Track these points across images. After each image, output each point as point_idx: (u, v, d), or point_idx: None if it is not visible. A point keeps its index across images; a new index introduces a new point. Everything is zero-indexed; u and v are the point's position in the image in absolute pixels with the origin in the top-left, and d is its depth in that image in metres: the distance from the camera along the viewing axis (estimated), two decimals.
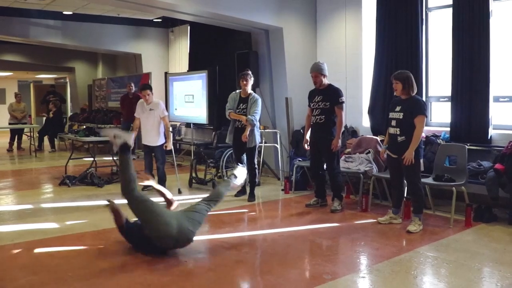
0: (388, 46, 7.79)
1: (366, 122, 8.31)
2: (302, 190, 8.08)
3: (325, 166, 6.86)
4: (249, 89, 7.32)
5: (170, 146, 7.81)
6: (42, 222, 6.22)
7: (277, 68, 9.20)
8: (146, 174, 5.82)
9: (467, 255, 4.82)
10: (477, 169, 6.34)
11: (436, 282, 4.24)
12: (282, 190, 8.14)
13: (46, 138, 14.91)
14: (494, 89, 6.72)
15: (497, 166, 5.97)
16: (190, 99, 11.31)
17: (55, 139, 14.80)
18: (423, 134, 5.93)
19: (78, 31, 13.14)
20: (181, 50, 13.63)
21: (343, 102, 6.65)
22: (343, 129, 6.78)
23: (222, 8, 8.27)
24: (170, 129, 8.01)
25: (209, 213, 5.20)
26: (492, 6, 6.64)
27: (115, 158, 9.42)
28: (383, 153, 6.24)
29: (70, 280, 4.21)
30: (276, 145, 9.08)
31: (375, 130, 7.97)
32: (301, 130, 8.44)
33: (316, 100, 6.71)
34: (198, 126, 11.66)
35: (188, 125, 11.94)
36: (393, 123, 5.81)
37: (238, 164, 7.51)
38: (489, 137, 6.72)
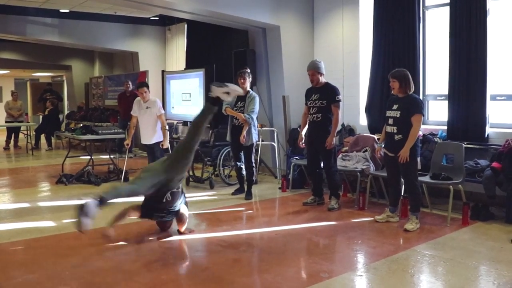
0: (385, 45, 7.79)
1: (363, 120, 8.32)
2: (299, 189, 8.09)
3: (322, 165, 6.86)
4: (247, 87, 7.33)
5: (166, 144, 7.81)
6: (39, 220, 6.21)
7: (274, 66, 9.20)
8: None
9: (464, 253, 4.83)
10: (474, 168, 6.35)
11: (433, 281, 4.25)
12: (279, 188, 8.14)
13: (43, 136, 14.89)
14: (491, 88, 6.72)
15: (494, 164, 5.99)
16: (187, 97, 11.29)
17: (52, 137, 14.77)
18: (420, 133, 5.94)
19: (75, 29, 13.10)
20: (178, 48, 13.61)
21: (340, 101, 6.64)
22: (340, 127, 6.79)
23: (219, 6, 8.26)
24: (167, 127, 8.01)
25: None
26: (489, 4, 6.65)
27: (112, 156, 9.42)
28: (378, 151, 6.25)
29: (67, 278, 4.21)
30: (273, 143, 9.08)
31: (372, 128, 7.97)
32: (298, 129, 8.44)
33: (313, 99, 6.71)
34: None
35: (185, 123, 11.92)
36: (390, 121, 5.81)
37: (236, 163, 7.54)
38: (486, 136, 6.73)
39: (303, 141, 6.92)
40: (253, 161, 7.51)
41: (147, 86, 7.92)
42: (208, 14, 8.65)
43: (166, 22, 13.66)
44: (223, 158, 8.48)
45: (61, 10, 12.15)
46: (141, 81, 11.01)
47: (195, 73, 11.00)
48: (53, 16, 12.61)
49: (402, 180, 5.97)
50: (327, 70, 6.86)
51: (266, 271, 4.40)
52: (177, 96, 11.70)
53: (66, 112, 18.79)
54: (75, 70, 17.93)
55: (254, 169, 7.64)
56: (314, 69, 6.67)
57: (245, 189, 7.51)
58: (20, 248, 5.10)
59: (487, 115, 6.69)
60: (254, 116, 7.26)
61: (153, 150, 8.01)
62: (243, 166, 7.47)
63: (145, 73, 12.88)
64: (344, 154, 7.43)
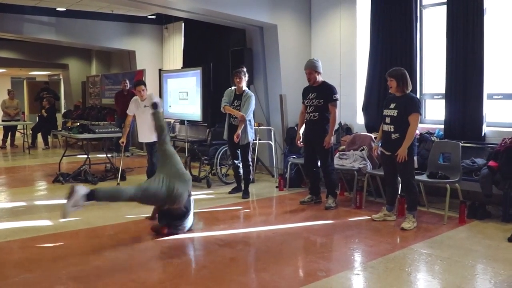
0: (382, 44, 7.79)
1: (360, 119, 8.32)
2: (296, 187, 8.08)
3: (319, 163, 6.86)
4: (244, 86, 7.33)
5: None
6: (35, 219, 6.20)
7: (271, 65, 9.20)
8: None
9: (461, 252, 4.84)
10: (471, 166, 6.35)
11: (430, 279, 4.26)
12: (276, 187, 8.14)
13: (39, 135, 14.86)
14: (488, 87, 6.73)
15: (491, 163, 5.99)
16: (184, 96, 11.27)
17: (49, 136, 14.74)
18: (417, 132, 5.94)
19: (72, 28, 13.07)
20: (175, 47, 13.59)
21: (337, 100, 6.65)
22: (337, 126, 6.79)
23: (217, 5, 8.25)
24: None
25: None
26: (486, 3, 6.65)
27: (108, 155, 9.41)
28: (375, 150, 6.25)
29: (64, 277, 4.20)
30: (270, 142, 9.08)
31: (369, 127, 7.97)
32: (295, 127, 8.44)
33: (310, 97, 6.71)
34: (192, 123, 11.63)
35: (182, 122, 11.91)
36: (387, 120, 5.81)
37: (234, 161, 7.54)
38: (483, 135, 6.74)
39: (301, 140, 6.93)
40: (250, 160, 7.51)
41: (145, 84, 7.91)
42: (205, 13, 8.64)
43: (163, 20, 13.63)
44: (220, 157, 8.47)
45: (58, 9, 12.12)
46: (138, 79, 10.99)
47: (192, 71, 10.98)
48: (50, 15, 12.58)
49: (399, 179, 5.97)
50: (324, 69, 6.86)
51: (263, 270, 4.40)
52: (174, 95, 11.68)
53: (63, 110, 18.74)
54: (72, 69, 17.90)
55: (251, 168, 7.64)
56: (311, 68, 6.67)
57: (242, 188, 7.51)
58: (17, 247, 5.09)
59: (484, 114, 6.70)
60: (250, 115, 7.26)
61: (152, 149, 8.00)
62: (240, 164, 7.47)
63: (142, 72, 12.86)
64: (341, 153, 7.43)
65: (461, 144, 6.34)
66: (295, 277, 4.34)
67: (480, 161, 6.38)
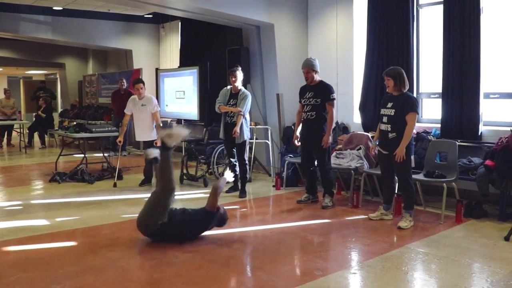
0: (379, 43, 7.80)
1: (357, 118, 8.33)
2: (293, 187, 8.09)
3: (316, 163, 6.86)
4: (239, 85, 7.33)
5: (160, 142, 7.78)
6: (32, 219, 6.18)
7: (268, 64, 9.19)
8: None
9: (458, 250, 4.85)
10: (467, 166, 6.36)
11: (426, 278, 4.26)
12: (273, 186, 8.14)
13: (36, 134, 14.82)
14: (485, 86, 6.74)
15: (488, 162, 5.99)
16: (181, 95, 11.27)
17: (45, 135, 14.71)
18: (414, 131, 5.95)
19: (69, 27, 13.05)
20: (172, 46, 13.58)
21: (334, 99, 6.65)
22: (334, 125, 6.78)
23: (213, 4, 8.24)
24: (161, 125, 8.00)
25: None
26: (483, 3, 6.66)
27: (105, 154, 9.39)
28: (372, 149, 6.25)
29: (60, 277, 4.19)
30: (267, 141, 9.08)
31: (366, 126, 7.99)
32: (292, 127, 8.43)
33: (307, 96, 6.70)
34: (189, 123, 11.60)
35: (179, 121, 11.90)
36: (385, 119, 5.81)
37: (230, 159, 7.53)
38: (479, 134, 6.76)
39: (298, 140, 6.93)
40: (246, 158, 7.51)
41: (143, 83, 7.92)
42: (202, 12, 8.63)
43: (160, 20, 13.62)
44: (217, 156, 8.47)
45: (54, 8, 12.10)
46: (137, 78, 10.97)
47: (189, 71, 10.99)
48: (46, 14, 12.57)
49: (396, 178, 5.98)
50: (321, 68, 6.85)
51: (260, 269, 4.40)
52: (171, 94, 11.69)
53: (59, 110, 18.70)
54: (68, 68, 17.86)
55: (248, 167, 7.63)
56: (309, 67, 6.67)
57: (239, 187, 7.50)
58: (13, 247, 5.07)
59: (480, 113, 6.71)
60: (246, 113, 7.26)
61: (150, 148, 7.99)
62: (237, 163, 7.46)
63: (139, 71, 12.85)
64: (338, 152, 7.43)
65: (457, 143, 6.35)
66: (292, 276, 4.33)
67: (476, 160, 6.40)
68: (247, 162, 7.54)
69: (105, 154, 9.40)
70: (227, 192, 7.57)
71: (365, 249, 4.99)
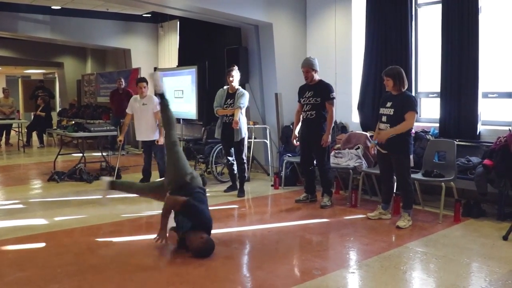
0: (377, 42, 7.80)
1: (355, 117, 8.33)
2: (292, 186, 8.09)
3: (315, 162, 6.86)
4: (236, 85, 7.31)
5: (162, 140, 7.79)
6: (30, 218, 6.17)
7: (267, 63, 9.19)
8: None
9: (456, 250, 4.85)
10: (466, 165, 6.36)
11: (425, 277, 4.26)
12: (272, 185, 8.14)
13: (34, 134, 14.81)
14: (483, 85, 6.74)
15: (486, 161, 6.00)
16: (179, 95, 11.26)
17: (44, 135, 14.70)
18: (413, 130, 5.95)
19: (67, 26, 13.04)
20: (170, 45, 13.57)
21: (334, 98, 6.65)
22: (333, 124, 6.79)
23: (212, 3, 8.24)
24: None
25: None
26: (481, 2, 6.67)
27: (104, 153, 9.39)
28: (372, 148, 6.25)
29: (59, 276, 4.19)
30: (265, 140, 9.08)
31: (364, 125, 7.99)
32: (291, 126, 8.43)
33: (307, 96, 6.70)
34: (187, 122, 11.62)
35: (177, 120, 11.88)
36: (384, 118, 5.81)
37: (228, 158, 7.52)
38: (478, 133, 6.76)
39: (296, 139, 6.93)
40: (244, 157, 7.50)
41: (147, 82, 7.90)
42: (201, 11, 8.62)
43: (158, 19, 13.61)
44: (216, 156, 8.46)
45: (52, 7, 12.08)
46: (140, 76, 10.95)
47: (188, 70, 10.98)
48: (45, 13, 12.55)
49: (395, 177, 5.98)
50: (320, 67, 6.84)
51: (259, 269, 4.40)
52: (170, 93, 11.66)
53: (58, 109, 18.69)
54: (67, 67, 17.85)
55: (246, 166, 7.63)
56: (308, 66, 6.66)
57: (238, 187, 7.50)
58: (11, 246, 5.07)
59: (479, 113, 6.72)
60: (244, 108, 7.25)
61: (150, 148, 8.00)
62: (234, 162, 7.46)
63: (137, 70, 12.84)
64: (336, 151, 7.43)
65: (456, 143, 6.35)
66: (291, 275, 4.33)
67: (475, 159, 6.40)
68: (245, 161, 7.53)
69: (104, 154, 9.40)
70: (225, 191, 7.58)
71: (363, 249, 4.99)
